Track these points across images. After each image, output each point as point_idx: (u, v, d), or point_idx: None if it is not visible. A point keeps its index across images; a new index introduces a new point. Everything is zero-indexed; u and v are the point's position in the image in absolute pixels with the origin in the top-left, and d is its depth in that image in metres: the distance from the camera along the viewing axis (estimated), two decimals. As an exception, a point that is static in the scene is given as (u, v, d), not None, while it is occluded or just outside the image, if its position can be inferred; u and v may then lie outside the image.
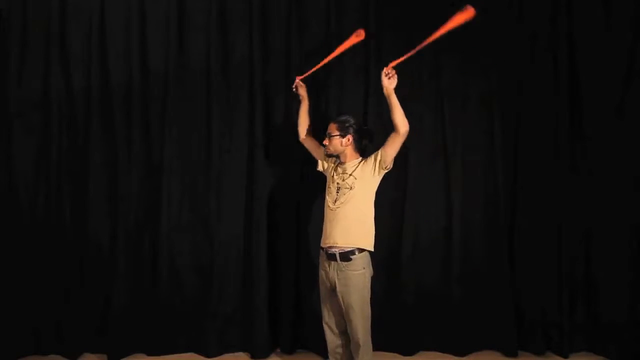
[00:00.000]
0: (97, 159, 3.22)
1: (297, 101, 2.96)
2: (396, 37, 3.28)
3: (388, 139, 2.58)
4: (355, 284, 2.51)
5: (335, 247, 2.53)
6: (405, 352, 3.28)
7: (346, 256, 2.51)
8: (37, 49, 3.20)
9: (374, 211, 2.62)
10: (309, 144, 2.89)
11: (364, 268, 2.54)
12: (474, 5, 3.25)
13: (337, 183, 2.60)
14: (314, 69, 2.85)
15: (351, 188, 2.55)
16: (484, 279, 3.29)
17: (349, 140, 2.61)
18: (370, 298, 2.59)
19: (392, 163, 2.60)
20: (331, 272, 2.54)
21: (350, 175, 2.58)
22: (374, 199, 2.62)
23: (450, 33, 3.26)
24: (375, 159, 2.59)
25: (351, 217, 2.54)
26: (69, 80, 3.22)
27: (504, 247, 3.28)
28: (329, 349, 2.68)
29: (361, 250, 2.53)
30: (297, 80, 2.88)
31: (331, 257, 2.54)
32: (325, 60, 2.80)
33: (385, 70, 2.58)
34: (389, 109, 2.56)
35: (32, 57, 3.20)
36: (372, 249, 2.58)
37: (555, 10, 3.27)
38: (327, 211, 2.62)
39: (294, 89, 2.89)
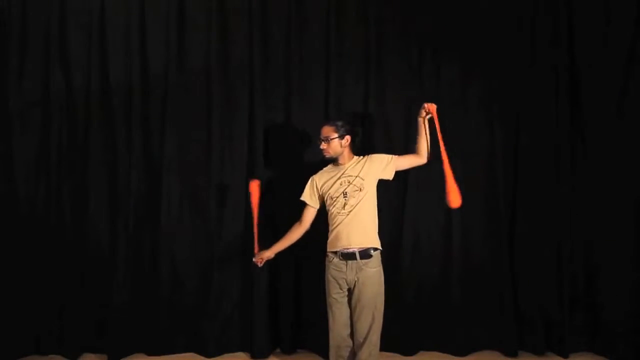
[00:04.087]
0: (97, 158, 3.23)
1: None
2: (396, 37, 3.29)
3: (407, 156, 2.67)
4: (376, 281, 2.52)
5: (353, 247, 2.51)
6: (405, 352, 3.28)
7: (366, 253, 2.51)
8: (37, 49, 3.21)
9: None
10: (313, 213, 2.74)
11: (379, 266, 2.56)
12: (474, 6, 3.28)
13: (345, 190, 2.56)
14: (255, 241, 2.77)
15: (360, 189, 2.55)
16: (484, 279, 3.29)
17: (347, 140, 2.61)
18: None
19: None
20: (349, 272, 2.51)
21: (357, 177, 2.57)
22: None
23: (450, 33, 3.29)
24: (386, 163, 2.62)
25: (365, 218, 2.55)
26: (69, 80, 3.22)
27: (504, 247, 3.28)
28: (332, 352, 2.60)
29: (376, 249, 2.55)
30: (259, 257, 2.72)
31: (349, 256, 2.51)
32: (255, 230, 2.77)
33: (427, 108, 2.55)
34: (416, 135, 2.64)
35: (32, 57, 3.21)
36: (380, 248, 2.60)
37: (555, 10, 3.27)
38: (336, 218, 2.57)
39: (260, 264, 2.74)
